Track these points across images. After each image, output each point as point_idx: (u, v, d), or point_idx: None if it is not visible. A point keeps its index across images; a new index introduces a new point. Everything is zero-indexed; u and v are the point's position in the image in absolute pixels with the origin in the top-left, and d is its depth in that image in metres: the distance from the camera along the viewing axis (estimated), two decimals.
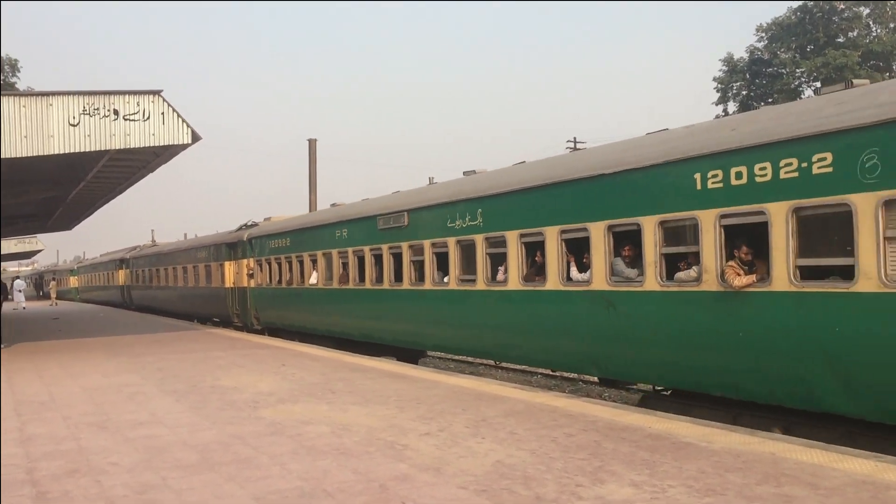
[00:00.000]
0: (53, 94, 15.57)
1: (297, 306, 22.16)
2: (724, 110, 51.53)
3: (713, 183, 9.08)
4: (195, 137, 16.52)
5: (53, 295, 60.37)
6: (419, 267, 15.69)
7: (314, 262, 20.76)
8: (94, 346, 20.26)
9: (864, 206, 7.49)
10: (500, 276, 13.11)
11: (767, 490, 5.75)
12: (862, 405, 7.75)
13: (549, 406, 9.43)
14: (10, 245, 50.49)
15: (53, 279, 70.69)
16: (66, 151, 15.72)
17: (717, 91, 52.08)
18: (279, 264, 23.19)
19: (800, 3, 48.34)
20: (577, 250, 11.48)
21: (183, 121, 16.26)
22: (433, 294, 15.14)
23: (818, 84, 48.70)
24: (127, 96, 15.94)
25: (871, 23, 48.33)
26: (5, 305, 38.26)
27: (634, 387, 11.80)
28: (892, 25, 47.59)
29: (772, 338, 8.50)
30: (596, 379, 13.42)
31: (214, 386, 12.10)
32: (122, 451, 7.84)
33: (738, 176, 8.78)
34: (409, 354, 17.58)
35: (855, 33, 47.71)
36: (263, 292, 24.44)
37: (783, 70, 49.28)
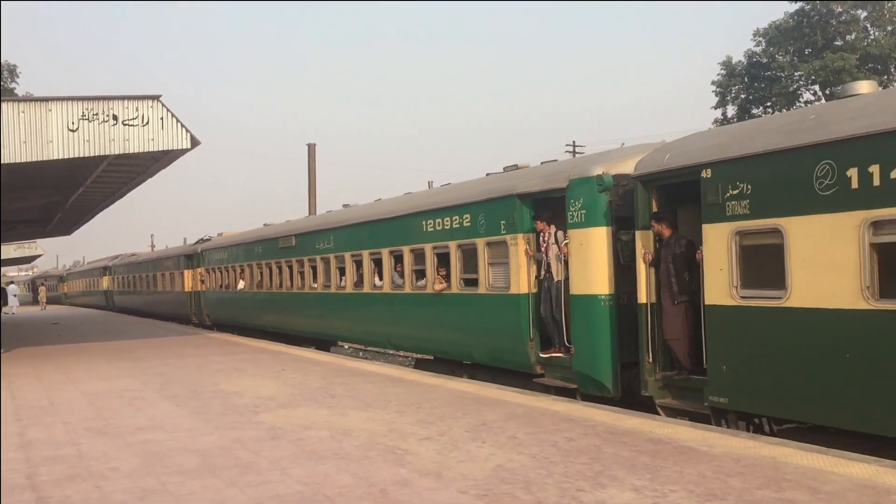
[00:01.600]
0: (52, 99, 15.57)
1: (233, 306, 27.79)
2: (723, 114, 51.58)
3: (430, 228, 15.02)
4: (194, 142, 16.52)
5: (43, 299, 63.57)
6: (302, 276, 21.60)
7: (242, 271, 26.47)
8: (94, 350, 20.25)
9: (481, 245, 13.34)
10: (342, 283, 19.05)
11: (768, 495, 5.75)
12: (486, 357, 13.72)
13: (550, 410, 9.43)
14: (10, 250, 50.60)
15: (42, 284, 73.89)
16: (66, 157, 15.71)
17: (716, 95, 52.14)
18: (220, 272, 28.94)
19: (797, 6, 48.42)
20: (379, 266, 17.29)
21: (182, 126, 16.26)
22: (309, 296, 21.23)
23: (816, 87, 48.78)
24: (126, 101, 15.94)
25: (868, 26, 48.40)
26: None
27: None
28: (889, 28, 47.66)
29: (454, 321, 14.31)
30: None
31: (215, 391, 12.10)
32: (122, 456, 7.84)
33: (439, 224, 14.68)
34: (323, 342, 22.35)
35: (853, 36, 47.74)
36: (211, 295, 30.14)
37: (781, 73, 49.33)
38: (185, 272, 33.08)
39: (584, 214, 11.00)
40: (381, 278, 17.04)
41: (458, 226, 14.10)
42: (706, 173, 9.00)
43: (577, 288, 11.09)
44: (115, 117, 15.75)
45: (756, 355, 8.41)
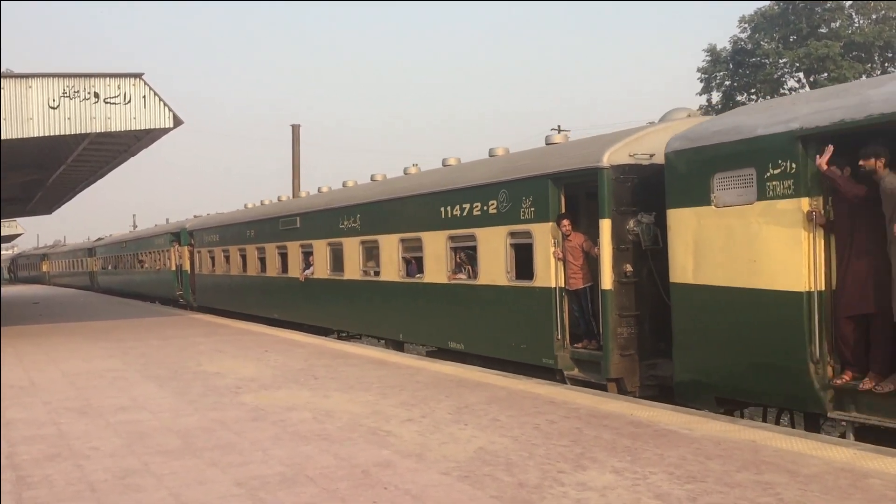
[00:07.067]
0: (33, 76, 15.36)
1: (108, 279, 48.10)
2: (708, 100, 51.60)
3: (156, 242, 35.21)
4: (177, 121, 16.35)
5: None
6: (128, 263, 41.46)
7: (110, 259, 47.57)
8: (75, 330, 20.13)
9: (164, 251, 33.36)
10: (140, 267, 38.43)
11: (747, 477, 5.80)
12: (168, 295, 32.72)
13: (532, 393, 9.46)
14: None
15: None
16: (46, 134, 15.52)
17: (701, 81, 52.18)
18: (103, 260, 49.74)
19: None
20: (146, 258, 37.63)
21: (164, 104, 16.09)
22: (135, 272, 39.87)
23: (801, 74, 48.90)
24: (108, 79, 15.74)
25: (853, 14, 48.53)
26: None
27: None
28: (874, 17, 47.81)
29: (161, 283, 34.05)
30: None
31: (197, 371, 12.06)
32: (103, 436, 7.81)
33: (157, 241, 35.03)
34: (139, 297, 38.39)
35: (837, 24, 47.86)
36: (101, 272, 50.57)
37: (766, 60, 49.39)
38: (88, 259, 54.31)
39: (183, 241, 30.39)
40: (146, 265, 36.87)
41: (161, 242, 33.35)
42: (195, 233, 29.26)
43: (188, 269, 29.92)
44: (96, 95, 15.57)
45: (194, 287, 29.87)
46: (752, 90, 49.91)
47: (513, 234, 11.88)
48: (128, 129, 16.07)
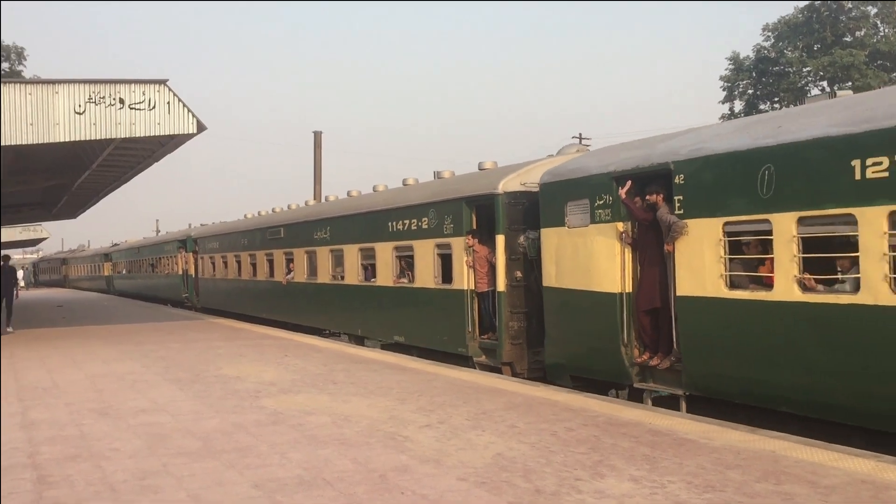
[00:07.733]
0: (59, 81, 15.56)
1: (121, 283, 50.90)
2: (731, 109, 51.36)
3: (165, 246, 39.01)
4: (200, 127, 16.51)
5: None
6: (151, 267, 41.97)
7: (119, 263, 51.97)
8: (97, 333, 20.31)
9: (172, 255, 36.40)
10: (141, 272, 45.02)
11: (767, 487, 5.75)
12: (174, 296, 35.77)
13: (550, 400, 9.44)
14: (15, 233, 50.71)
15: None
16: (72, 139, 15.71)
17: (724, 90, 51.95)
18: (120, 264, 52.26)
19: (807, 2, 48.12)
20: (145, 266, 44.64)
21: (188, 110, 16.25)
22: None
23: (825, 83, 48.55)
24: (133, 85, 15.92)
25: (878, 22, 48.15)
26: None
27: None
28: None
29: (167, 286, 37.80)
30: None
31: (217, 375, 12.13)
32: (123, 437, 7.87)
33: (166, 247, 38.20)
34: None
35: (862, 32, 47.50)
36: (116, 276, 53.37)
37: (790, 69, 49.10)
38: (105, 263, 57.88)
39: (189, 248, 33.02)
40: (156, 269, 39.45)
41: (170, 248, 36.24)
42: (199, 240, 32.14)
43: (192, 273, 32.81)
44: (121, 101, 15.75)
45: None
46: (776, 99, 49.63)
47: (439, 246, 14.29)
48: (152, 134, 16.25)
